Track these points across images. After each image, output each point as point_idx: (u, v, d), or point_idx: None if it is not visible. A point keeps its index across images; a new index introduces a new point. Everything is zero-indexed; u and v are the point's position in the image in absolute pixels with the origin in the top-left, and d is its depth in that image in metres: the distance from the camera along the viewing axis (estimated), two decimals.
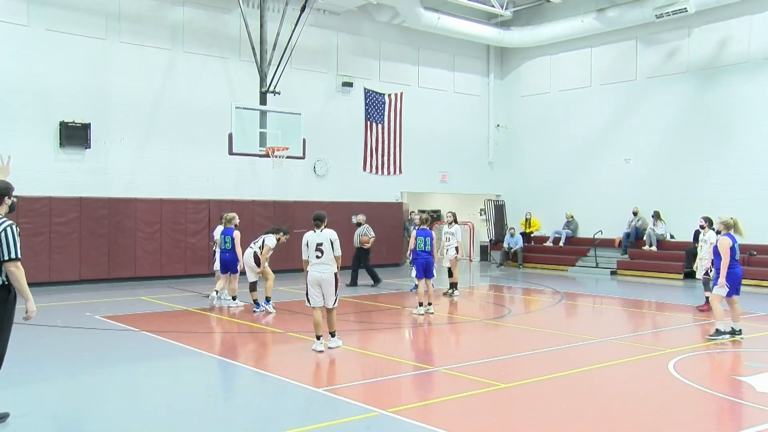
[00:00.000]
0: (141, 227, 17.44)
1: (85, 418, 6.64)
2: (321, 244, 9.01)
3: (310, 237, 9.10)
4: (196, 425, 6.30)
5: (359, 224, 17.04)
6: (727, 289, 10.02)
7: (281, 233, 12.74)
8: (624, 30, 21.44)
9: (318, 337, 9.11)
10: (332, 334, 9.34)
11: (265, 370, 8.62)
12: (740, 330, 10.26)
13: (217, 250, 13.47)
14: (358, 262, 16.90)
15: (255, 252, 12.57)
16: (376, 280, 16.72)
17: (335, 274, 9.09)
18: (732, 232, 10.24)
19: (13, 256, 5.85)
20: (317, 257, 9.01)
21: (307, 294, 9.15)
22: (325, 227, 9.14)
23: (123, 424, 6.32)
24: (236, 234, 12.90)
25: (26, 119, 16.10)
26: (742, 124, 19.33)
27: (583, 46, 22.81)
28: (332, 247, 9.04)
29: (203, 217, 18.18)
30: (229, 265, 12.99)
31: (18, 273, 5.85)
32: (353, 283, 16.72)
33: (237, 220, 13.16)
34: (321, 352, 9.01)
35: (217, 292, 13.33)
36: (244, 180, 19.29)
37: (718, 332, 10.15)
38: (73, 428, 6.44)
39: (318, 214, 9.23)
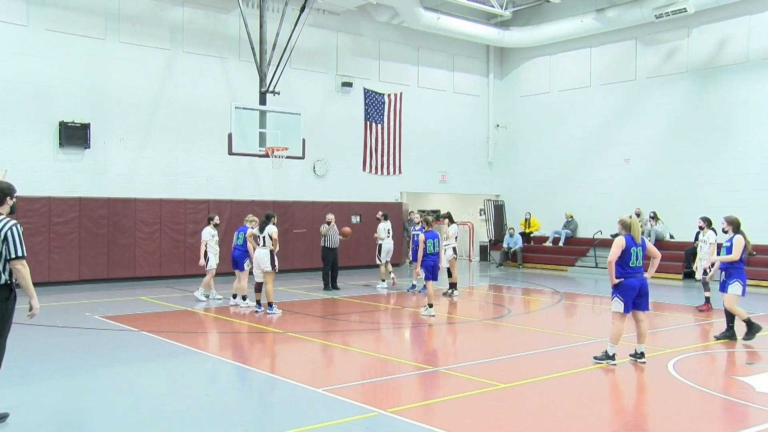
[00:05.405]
0: (140, 227, 17.43)
1: (84, 418, 6.65)
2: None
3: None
4: (196, 425, 6.29)
5: (329, 223, 16.11)
6: (622, 304, 8.44)
7: (273, 218, 12.60)
8: (623, 30, 21.45)
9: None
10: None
11: (265, 370, 8.62)
12: (642, 353, 8.64)
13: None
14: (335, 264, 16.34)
15: (270, 251, 12.29)
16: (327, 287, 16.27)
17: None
18: (629, 232, 8.85)
19: (19, 254, 6.00)
20: None
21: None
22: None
23: (122, 424, 6.31)
24: (249, 232, 13.09)
25: (25, 119, 16.09)
26: (741, 124, 19.32)
27: (583, 46, 22.81)
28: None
29: (202, 217, 18.10)
30: (238, 261, 13.39)
31: (24, 271, 6.00)
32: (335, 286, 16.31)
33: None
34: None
35: (234, 296, 13.61)
36: (243, 180, 19.29)
37: (606, 355, 8.52)
38: (72, 428, 6.44)
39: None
